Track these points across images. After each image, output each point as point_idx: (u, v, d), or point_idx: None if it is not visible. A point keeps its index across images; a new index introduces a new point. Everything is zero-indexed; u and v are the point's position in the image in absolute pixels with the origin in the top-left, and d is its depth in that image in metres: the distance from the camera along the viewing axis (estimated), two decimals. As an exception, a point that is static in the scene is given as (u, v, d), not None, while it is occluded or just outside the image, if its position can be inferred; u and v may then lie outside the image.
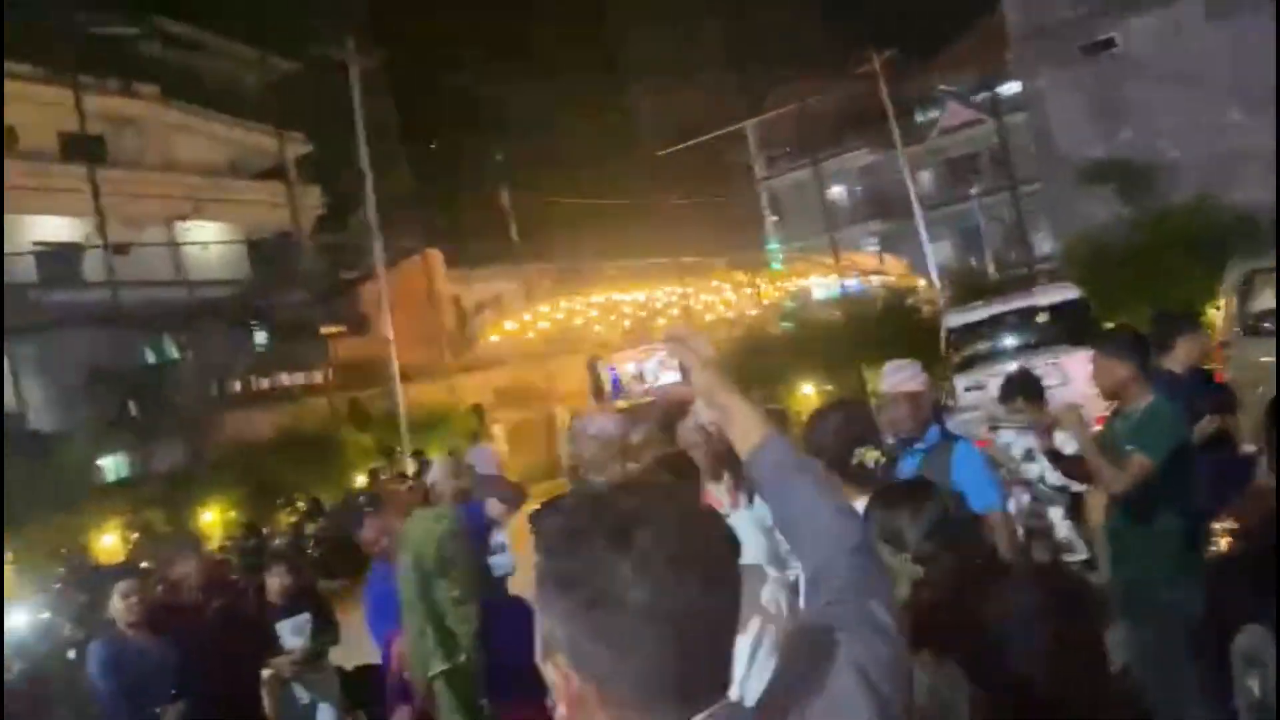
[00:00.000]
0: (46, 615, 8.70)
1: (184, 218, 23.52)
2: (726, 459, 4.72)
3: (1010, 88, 25.60)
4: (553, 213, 30.53)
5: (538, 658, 1.07)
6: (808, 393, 18.81)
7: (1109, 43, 17.99)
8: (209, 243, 24.08)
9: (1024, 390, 4.82)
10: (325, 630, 5.46)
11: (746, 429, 1.40)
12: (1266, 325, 8.21)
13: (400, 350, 19.00)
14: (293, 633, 5.27)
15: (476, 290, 29.76)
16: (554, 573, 1.05)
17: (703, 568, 1.03)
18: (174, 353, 20.97)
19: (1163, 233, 15.92)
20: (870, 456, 2.86)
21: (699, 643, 1.03)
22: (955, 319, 13.58)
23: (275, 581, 5.47)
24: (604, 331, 28.72)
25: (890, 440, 4.20)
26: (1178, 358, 4.75)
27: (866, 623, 1.19)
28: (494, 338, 26.44)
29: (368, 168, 18.90)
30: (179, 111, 24.12)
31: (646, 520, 1.03)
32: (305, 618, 5.33)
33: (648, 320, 29.82)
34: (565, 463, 4.21)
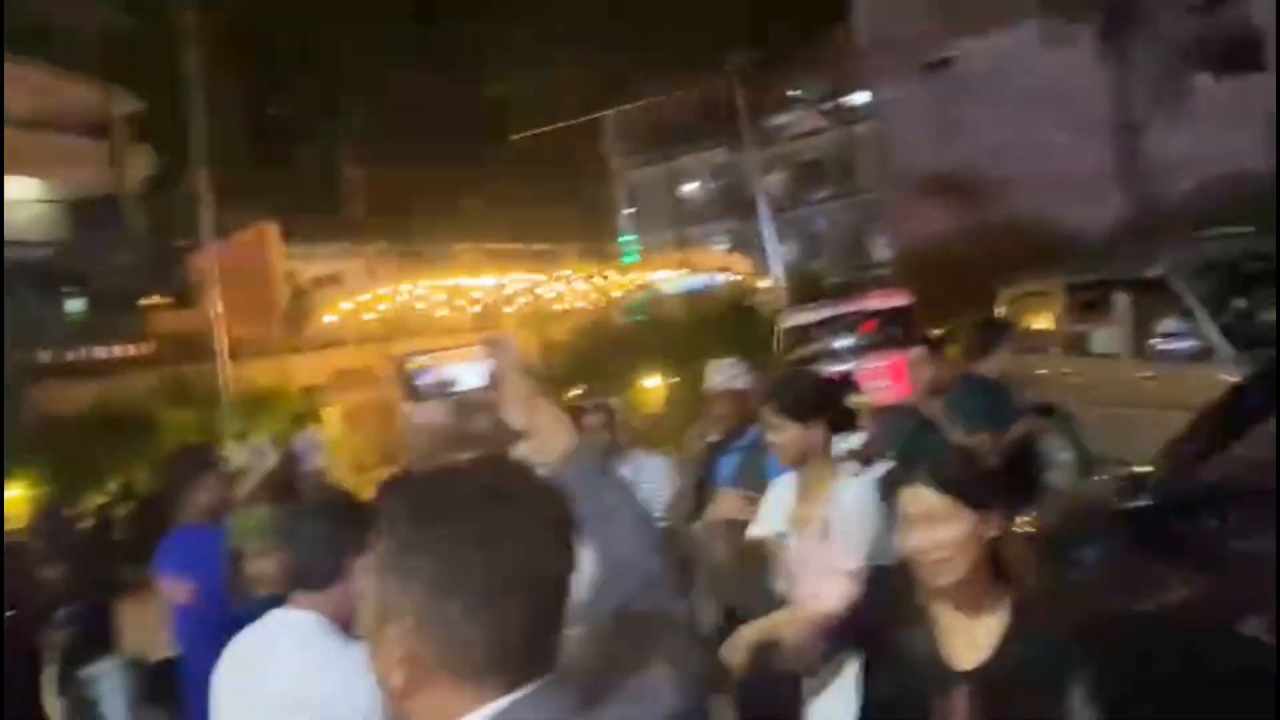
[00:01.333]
0: None
1: (-8, 171, 21.76)
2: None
3: (858, 97, 26.46)
4: (400, 191, 29.74)
5: (364, 626, 1.10)
6: (651, 385, 18.95)
7: (948, 61, 18.76)
8: (20, 200, 22.36)
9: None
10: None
11: (553, 435, 1.50)
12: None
13: (229, 326, 18.10)
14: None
15: (315, 267, 28.68)
16: (404, 542, 1.07)
17: (547, 543, 1.09)
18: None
19: (986, 247, 16.75)
20: None
21: (538, 616, 1.08)
22: (790, 319, 13.92)
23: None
24: (449, 316, 28.18)
25: (713, 438, 4.28)
26: (991, 365, 4.96)
27: (667, 616, 1.31)
28: (331, 317, 25.50)
29: (202, 131, 17.90)
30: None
31: (496, 493, 1.09)
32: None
33: (495, 307, 29.43)
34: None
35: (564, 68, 30.66)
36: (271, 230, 25.28)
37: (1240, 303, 7.83)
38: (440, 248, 28.14)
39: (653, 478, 4.65)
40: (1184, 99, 17.49)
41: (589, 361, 19.31)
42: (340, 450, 17.23)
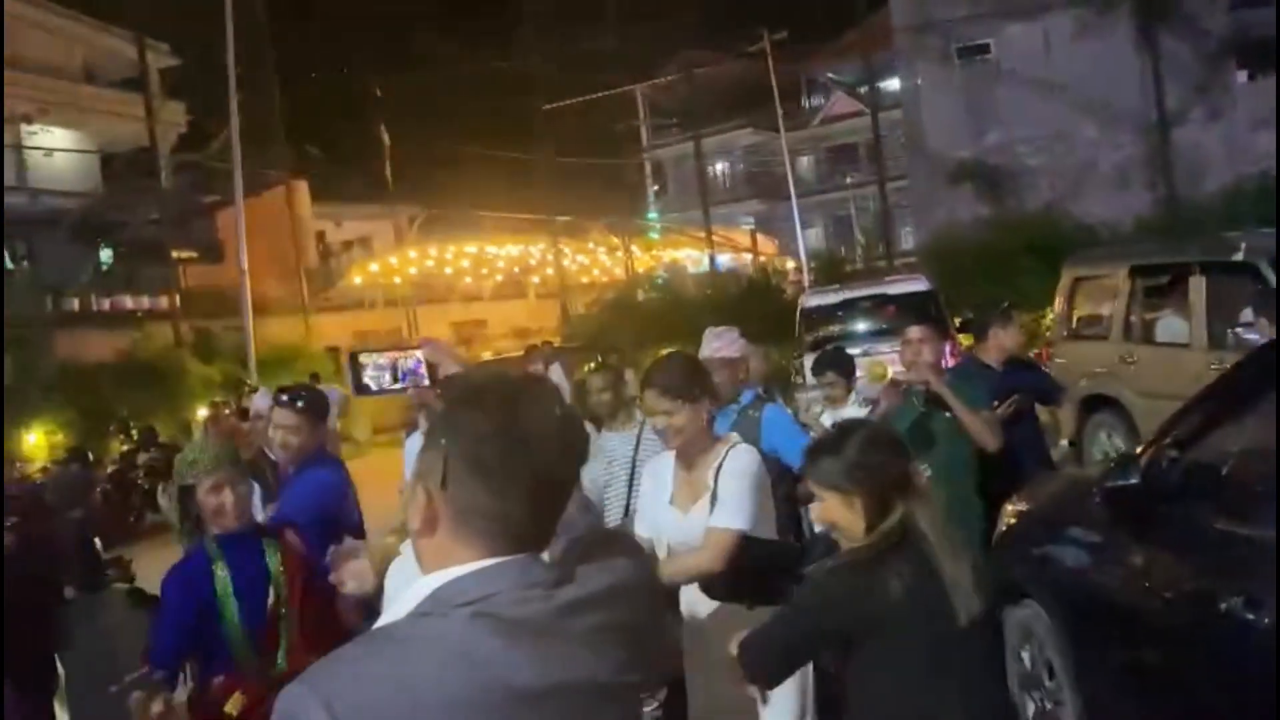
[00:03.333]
0: None
1: (29, 119, 22.00)
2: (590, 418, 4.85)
3: (891, 83, 26.29)
4: (431, 157, 29.83)
5: (407, 479, 1.29)
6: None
7: (984, 48, 18.62)
8: (55, 149, 22.61)
9: (835, 365, 5.02)
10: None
11: None
12: (1087, 331, 8.77)
13: (256, 283, 18.29)
14: None
15: (344, 228, 28.87)
16: (455, 418, 1.28)
17: (556, 446, 1.27)
18: (8, 262, 19.67)
19: (1013, 237, 16.68)
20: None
21: (538, 503, 1.26)
22: (811, 301, 13.94)
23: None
24: (473, 283, 28.34)
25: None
26: (989, 348, 4.98)
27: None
28: (358, 279, 25.73)
29: (235, 88, 18.04)
30: (30, 5, 22.48)
31: (521, 398, 1.29)
32: None
33: (520, 276, 29.56)
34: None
35: (599, 39, 30.53)
36: (302, 188, 25.45)
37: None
38: (467, 213, 28.23)
39: (654, 437, 4.68)
40: (1219, 96, 17.31)
41: (609, 333, 19.40)
42: (360, 410, 17.39)
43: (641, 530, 3.05)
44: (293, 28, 30.84)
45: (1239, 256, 7.09)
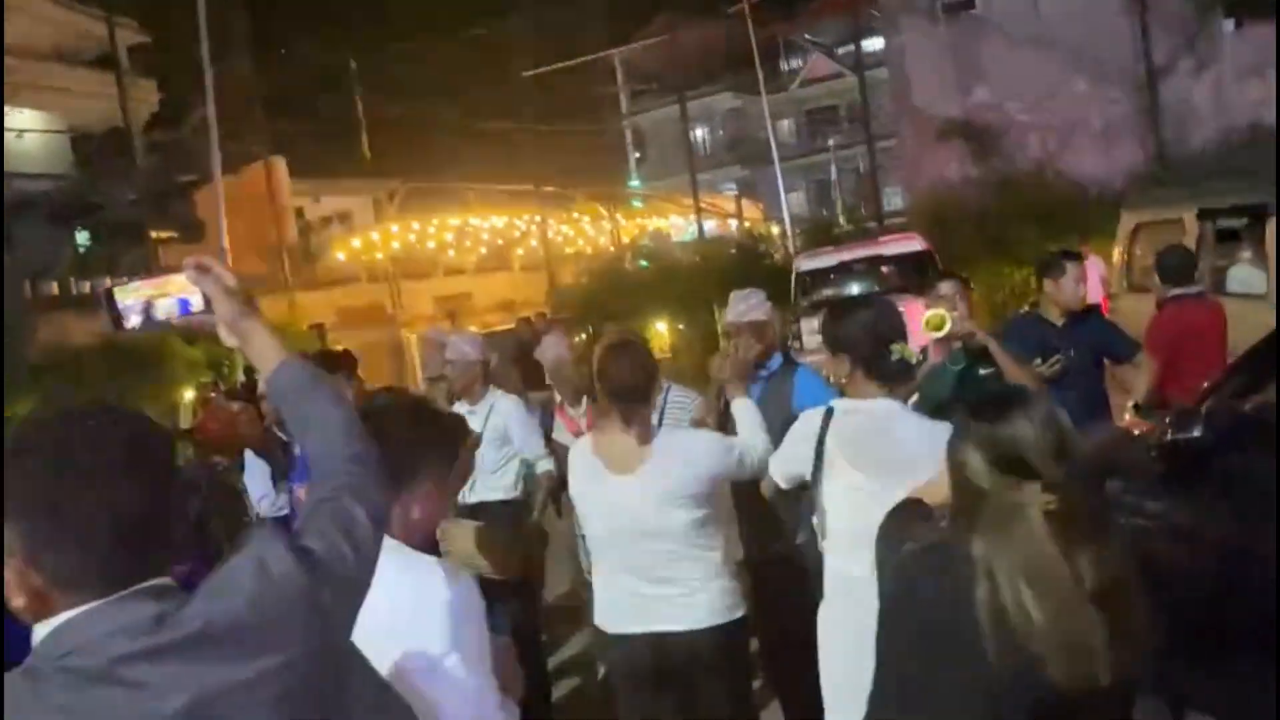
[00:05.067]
0: None
1: (-3, 101, 21.50)
2: (586, 390, 4.79)
3: (874, 43, 26.01)
4: (410, 129, 29.43)
5: None
6: (660, 330, 18.94)
7: (969, 3, 18.41)
8: (25, 130, 22.13)
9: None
10: None
11: (264, 352, 1.59)
12: (1150, 283, 7.96)
13: (236, 262, 17.98)
14: None
15: (323, 204, 28.48)
16: (10, 472, 1.23)
17: (124, 482, 1.24)
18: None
19: (1004, 195, 16.57)
20: (907, 353, 2.78)
21: (120, 541, 1.23)
22: (806, 264, 13.82)
23: None
24: (457, 256, 28.05)
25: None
26: (1050, 302, 4.77)
27: (341, 522, 1.40)
28: (340, 255, 25.40)
29: (208, 63, 17.63)
30: (-5, -17, 21.88)
31: (70, 443, 1.25)
32: None
33: (504, 248, 29.28)
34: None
35: (576, 3, 30.10)
36: (280, 165, 25.06)
37: None
38: (448, 186, 27.89)
39: (678, 403, 4.57)
40: (1206, 46, 17.19)
41: (598, 304, 19.24)
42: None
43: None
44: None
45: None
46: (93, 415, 1.31)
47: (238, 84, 22.32)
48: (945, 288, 4.56)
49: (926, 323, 3.75)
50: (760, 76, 27.64)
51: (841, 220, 25.93)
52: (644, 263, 23.50)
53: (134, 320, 1.92)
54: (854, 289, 12.72)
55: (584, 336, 16.33)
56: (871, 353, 2.77)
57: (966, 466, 1.73)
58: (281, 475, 5.03)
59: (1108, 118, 17.52)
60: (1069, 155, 17.17)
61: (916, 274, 11.63)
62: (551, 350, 5.29)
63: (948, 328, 3.76)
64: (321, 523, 1.40)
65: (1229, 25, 17.58)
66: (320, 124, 30.15)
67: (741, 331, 3.96)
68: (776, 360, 4.10)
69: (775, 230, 26.25)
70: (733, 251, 20.88)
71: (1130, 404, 4.82)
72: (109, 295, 1.96)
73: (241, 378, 14.02)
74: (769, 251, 21.17)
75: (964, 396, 4.46)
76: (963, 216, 16.06)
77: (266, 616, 1.27)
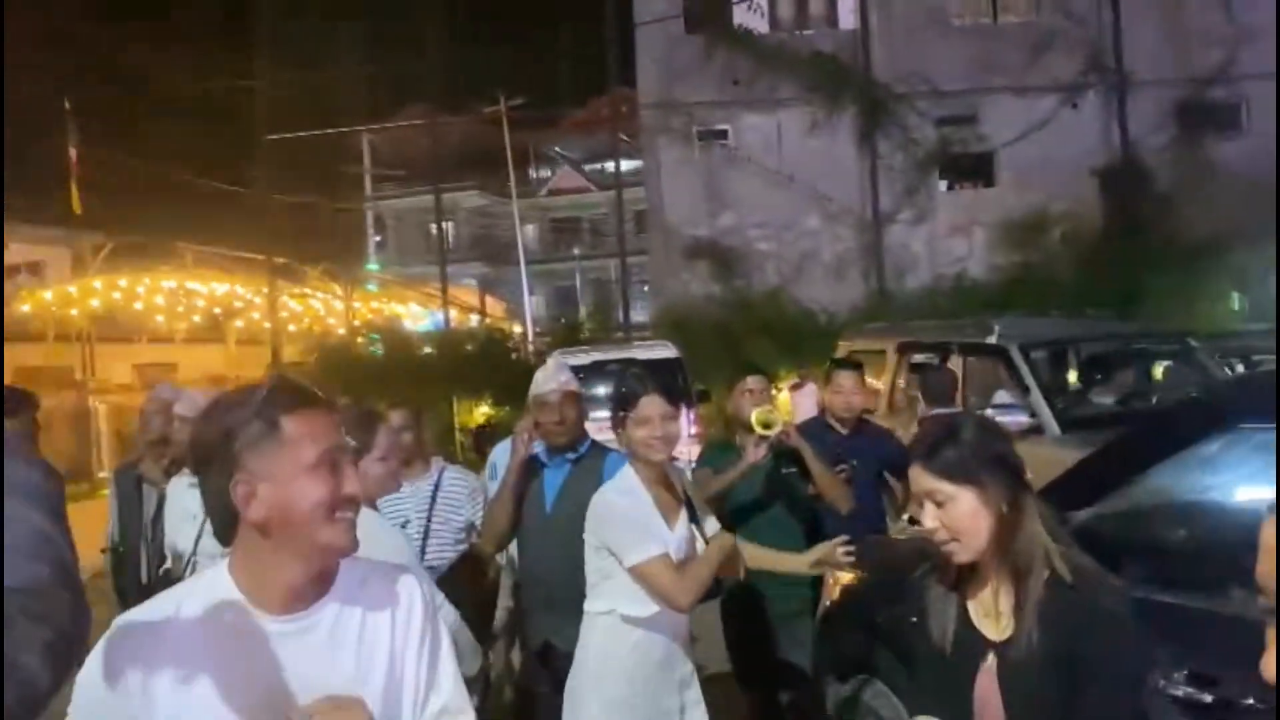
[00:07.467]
0: None
1: None
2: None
3: (627, 164, 26.95)
4: (127, 180, 26.96)
5: None
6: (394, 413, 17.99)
7: (723, 133, 19.46)
8: None
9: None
10: None
11: None
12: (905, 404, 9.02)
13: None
14: None
15: (11, 250, 25.33)
16: None
17: None
18: None
19: (744, 314, 17.38)
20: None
21: None
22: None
23: None
24: (165, 322, 25.73)
25: (544, 445, 3.85)
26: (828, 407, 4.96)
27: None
28: (25, 307, 22.61)
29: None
30: None
31: None
32: None
33: (222, 318, 27.15)
34: None
35: (333, 74, 29.16)
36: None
37: (1074, 383, 8.15)
38: (167, 246, 25.67)
39: (454, 487, 4.19)
40: (924, 201, 19.06)
41: (325, 387, 18.03)
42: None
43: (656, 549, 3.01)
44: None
45: (993, 339, 7.64)
46: None
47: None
48: (752, 383, 4.51)
49: (756, 420, 3.81)
50: (512, 178, 27.89)
51: (585, 326, 26.26)
52: (376, 349, 22.48)
53: None
54: (604, 390, 12.59)
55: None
56: None
57: None
58: None
59: (836, 252, 18.90)
60: (801, 283, 18.33)
61: (668, 379, 11.68)
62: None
63: (778, 427, 3.82)
64: None
65: (943, 185, 19.65)
66: (21, 164, 27.06)
67: (565, 402, 3.75)
68: (587, 444, 3.87)
69: (517, 330, 26.11)
70: (469, 348, 20.45)
71: (905, 517, 4.96)
72: None
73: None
74: (516, 347, 20.95)
75: (774, 494, 4.32)
76: (705, 330, 16.57)
77: None
